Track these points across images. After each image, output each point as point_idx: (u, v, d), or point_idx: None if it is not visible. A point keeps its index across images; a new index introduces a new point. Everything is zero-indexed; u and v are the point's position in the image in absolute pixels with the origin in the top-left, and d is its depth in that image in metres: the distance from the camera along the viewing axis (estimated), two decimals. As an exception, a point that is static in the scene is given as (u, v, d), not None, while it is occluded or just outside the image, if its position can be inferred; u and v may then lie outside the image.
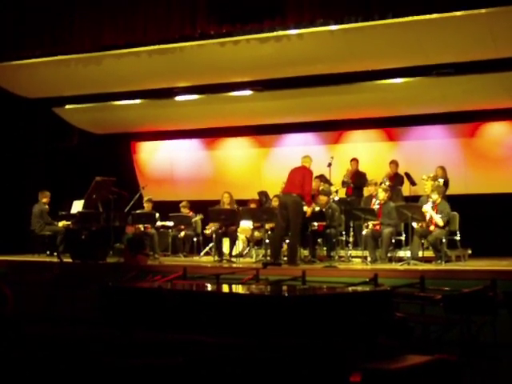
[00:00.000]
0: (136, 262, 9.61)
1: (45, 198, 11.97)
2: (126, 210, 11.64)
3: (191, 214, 11.98)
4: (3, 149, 13.02)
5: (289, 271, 8.48)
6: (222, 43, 10.09)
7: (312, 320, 4.19)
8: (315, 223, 10.20)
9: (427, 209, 9.54)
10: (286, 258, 9.61)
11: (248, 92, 12.19)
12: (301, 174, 9.46)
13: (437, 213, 9.53)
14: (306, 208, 9.61)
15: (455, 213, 9.91)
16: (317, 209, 10.17)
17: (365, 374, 3.81)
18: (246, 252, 11.52)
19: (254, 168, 13.77)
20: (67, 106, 13.49)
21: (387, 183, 10.71)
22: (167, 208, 12.12)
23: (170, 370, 3.97)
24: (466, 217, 10.11)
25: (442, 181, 10.44)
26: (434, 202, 9.64)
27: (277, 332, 4.20)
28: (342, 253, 10.42)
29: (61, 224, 11.83)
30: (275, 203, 10.50)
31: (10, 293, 5.54)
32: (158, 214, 11.54)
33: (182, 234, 11.71)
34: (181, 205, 12.08)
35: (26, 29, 10.59)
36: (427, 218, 9.55)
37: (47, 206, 11.96)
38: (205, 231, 11.63)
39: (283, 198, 9.60)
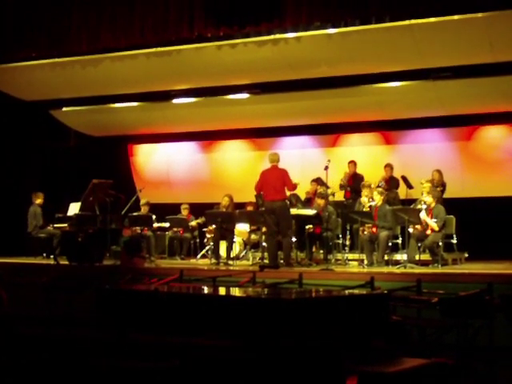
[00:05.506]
0: (132, 264, 9.60)
1: (38, 200, 11.87)
2: (122, 212, 11.62)
3: (192, 217, 11.97)
4: (0, 151, 13.00)
5: (285, 274, 8.47)
6: (220, 46, 10.10)
7: (308, 323, 4.19)
8: (311, 226, 10.21)
9: (423, 216, 9.53)
10: (282, 261, 9.61)
11: (245, 95, 12.19)
12: (279, 178, 9.42)
13: (432, 217, 9.55)
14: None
15: (452, 216, 9.93)
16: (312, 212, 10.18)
17: (361, 377, 3.81)
18: (242, 255, 11.52)
19: (251, 171, 13.68)
20: (64, 109, 13.47)
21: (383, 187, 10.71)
22: (164, 211, 12.11)
23: (166, 372, 3.96)
24: (463, 220, 10.14)
25: (439, 189, 10.44)
26: (428, 206, 9.64)
27: (273, 335, 4.19)
28: (339, 256, 10.44)
29: (56, 226, 11.79)
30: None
31: (4, 293, 5.53)
32: (154, 217, 11.54)
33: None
34: (182, 207, 12.05)
35: (23, 31, 10.58)
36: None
37: (39, 208, 11.89)
38: (205, 241, 11.62)
39: (269, 205, 9.52)
